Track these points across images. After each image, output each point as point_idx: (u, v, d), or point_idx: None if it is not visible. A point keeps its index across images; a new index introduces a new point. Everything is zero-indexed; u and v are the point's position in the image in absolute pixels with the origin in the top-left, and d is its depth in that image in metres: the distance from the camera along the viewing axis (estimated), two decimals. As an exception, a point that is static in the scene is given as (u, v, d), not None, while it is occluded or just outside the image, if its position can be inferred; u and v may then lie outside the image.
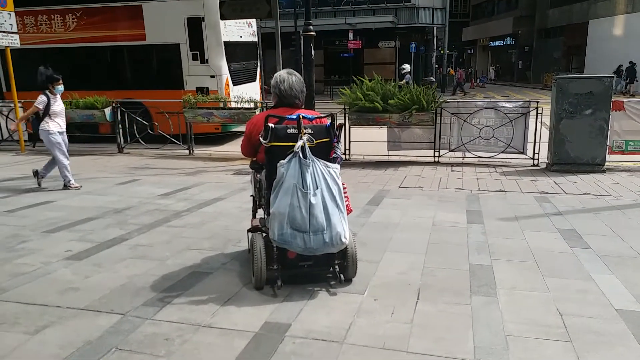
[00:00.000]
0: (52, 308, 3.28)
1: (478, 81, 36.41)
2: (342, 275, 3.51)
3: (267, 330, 2.95)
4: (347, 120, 8.58)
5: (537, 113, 8.01)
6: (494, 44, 45.01)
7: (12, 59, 9.85)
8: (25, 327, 3.04)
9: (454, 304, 3.27)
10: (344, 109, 8.57)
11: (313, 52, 8.32)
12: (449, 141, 8.46)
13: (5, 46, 9.55)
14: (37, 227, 5.08)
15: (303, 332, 2.92)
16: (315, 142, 3.32)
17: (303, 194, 3.21)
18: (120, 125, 10.04)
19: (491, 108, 8.24)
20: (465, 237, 4.61)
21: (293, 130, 3.32)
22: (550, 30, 37.32)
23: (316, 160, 3.29)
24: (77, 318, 3.14)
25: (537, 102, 8.15)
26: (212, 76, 10.93)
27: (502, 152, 8.23)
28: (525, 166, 8.01)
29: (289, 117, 3.40)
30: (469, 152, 8.43)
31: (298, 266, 3.49)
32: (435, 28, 29.70)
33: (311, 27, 8.23)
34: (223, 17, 9.72)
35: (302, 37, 8.55)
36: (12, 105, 10.11)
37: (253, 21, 12.91)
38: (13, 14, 9.52)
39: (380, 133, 8.93)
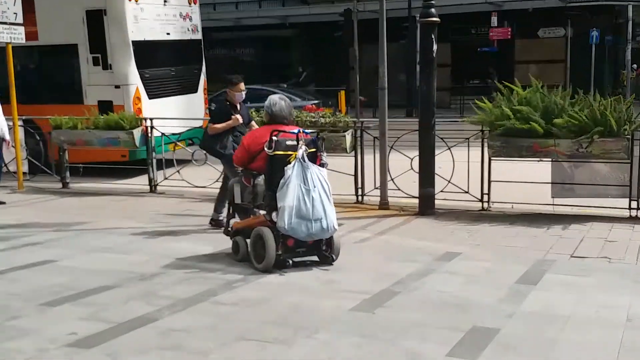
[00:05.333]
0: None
1: None
2: (332, 256, 6.05)
3: None
4: (485, 149, 8.45)
5: None
6: None
7: None
8: None
9: None
10: (481, 131, 8.47)
11: (435, 46, 8.39)
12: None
13: (7, 42, 10.13)
14: (33, 297, 5.34)
15: None
16: (308, 151, 5.92)
17: (306, 190, 5.73)
18: (154, 154, 10.51)
19: None
20: (683, 340, 4.32)
21: (290, 142, 5.88)
22: None
23: (311, 165, 5.88)
24: None
25: None
26: (117, 86, 11.88)
27: None
28: None
29: (290, 131, 5.99)
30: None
31: (295, 251, 6.00)
32: (630, 7, 28.82)
33: (433, 9, 8.30)
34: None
35: (419, 24, 8.63)
36: (12, 123, 10.42)
37: (195, 13, 13.74)
38: (19, 0, 10.10)
39: (539, 169, 8.78)
